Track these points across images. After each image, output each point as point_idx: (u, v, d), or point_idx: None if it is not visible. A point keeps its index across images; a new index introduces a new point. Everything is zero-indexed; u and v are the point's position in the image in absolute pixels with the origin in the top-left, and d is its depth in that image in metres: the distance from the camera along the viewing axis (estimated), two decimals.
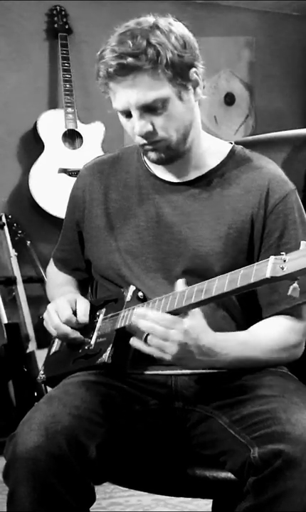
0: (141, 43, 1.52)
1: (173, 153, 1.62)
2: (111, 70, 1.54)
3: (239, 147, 1.72)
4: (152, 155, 1.62)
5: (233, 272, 1.41)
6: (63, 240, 1.88)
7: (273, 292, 1.61)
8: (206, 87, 1.64)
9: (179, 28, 1.58)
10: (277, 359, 1.63)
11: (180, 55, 1.55)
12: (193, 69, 1.59)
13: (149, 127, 1.57)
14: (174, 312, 1.49)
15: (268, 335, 1.62)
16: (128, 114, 1.59)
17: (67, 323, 1.66)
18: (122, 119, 1.62)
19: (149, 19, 1.58)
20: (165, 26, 1.55)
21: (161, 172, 1.69)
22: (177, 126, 1.59)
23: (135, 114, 1.57)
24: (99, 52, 1.57)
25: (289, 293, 1.31)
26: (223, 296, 1.43)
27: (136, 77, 1.53)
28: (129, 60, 1.52)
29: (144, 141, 1.59)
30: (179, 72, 1.55)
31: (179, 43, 1.55)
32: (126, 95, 1.56)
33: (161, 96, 1.55)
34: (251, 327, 1.63)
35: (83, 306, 1.69)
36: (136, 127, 1.58)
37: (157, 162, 1.65)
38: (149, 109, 1.56)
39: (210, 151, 1.69)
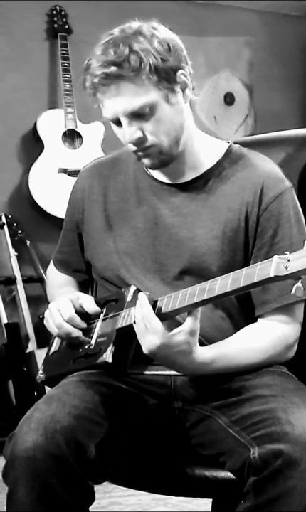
0: (123, 51, 1.52)
1: (167, 158, 1.62)
2: (96, 80, 1.54)
3: (236, 146, 1.72)
4: (146, 161, 1.63)
5: (236, 271, 1.41)
6: (63, 242, 1.88)
7: (266, 291, 1.61)
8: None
9: (163, 32, 1.57)
10: (270, 363, 1.64)
11: (164, 59, 1.54)
12: (181, 71, 1.58)
13: (139, 134, 1.57)
14: (177, 311, 1.49)
15: (259, 342, 1.62)
16: (118, 123, 1.59)
17: (70, 321, 1.67)
18: (114, 127, 1.62)
19: (133, 25, 1.57)
20: (148, 31, 1.55)
21: (158, 173, 1.69)
22: (167, 130, 1.59)
23: (124, 121, 1.57)
24: (85, 63, 1.57)
25: (292, 292, 1.31)
26: (225, 296, 1.43)
27: (120, 86, 1.53)
28: (112, 68, 1.52)
29: (136, 148, 1.60)
30: (164, 76, 1.55)
31: (163, 47, 1.54)
32: (113, 104, 1.56)
33: (147, 102, 1.54)
34: (241, 334, 1.63)
35: (88, 299, 1.70)
36: (126, 135, 1.58)
37: (151, 167, 1.66)
38: (138, 115, 1.56)
39: (207, 150, 1.69)
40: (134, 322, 1.52)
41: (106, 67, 1.52)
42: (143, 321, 1.49)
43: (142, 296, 1.52)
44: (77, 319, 1.67)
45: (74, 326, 1.66)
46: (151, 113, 1.56)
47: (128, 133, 1.57)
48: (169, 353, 1.50)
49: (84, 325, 1.67)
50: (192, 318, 1.48)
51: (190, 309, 1.48)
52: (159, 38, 1.55)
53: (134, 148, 1.60)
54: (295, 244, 1.61)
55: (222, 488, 1.58)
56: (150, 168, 1.67)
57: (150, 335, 1.48)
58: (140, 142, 1.58)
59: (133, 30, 1.55)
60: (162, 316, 1.50)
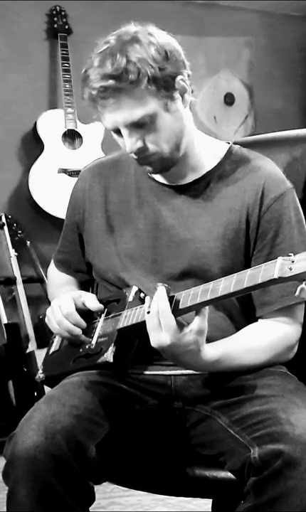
0: (120, 62, 1.50)
1: (168, 163, 1.62)
2: (94, 93, 1.53)
3: (236, 147, 1.72)
4: (147, 168, 1.63)
5: (239, 272, 1.41)
6: (64, 242, 1.88)
7: (266, 292, 1.61)
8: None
9: (160, 38, 1.55)
10: (271, 363, 1.63)
11: (161, 67, 1.53)
12: (179, 77, 1.57)
13: (140, 144, 1.57)
14: (188, 309, 1.49)
15: (261, 341, 1.61)
16: (118, 132, 1.59)
17: (68, 317, 1.66)
18: (114, 136, 1.62)
19: (130, 29, 1.56)
20: (144, 38, 1.53)
21: (159, 175, 1.69)
22: (168, 137, 1.58)
23: (124, 132, 1.57)
24: (82, 72, 1.56)
25: (296, 294, 1.31)
26: (228, 297, 1.43)
27: (120, 99, 1.52)
28: (110, 82, 1.51)
29: (137, 157, 1.60)
30: (163, 85, 1.54)
31: (160, 55, 1.53)
32: (112, 116, 1.56)
33: (147, 112, 1.54)
34: (243, 333, 1.63)
35: (91, 297, 1.70)
36: (127, 146, 1.58)
37: (153, 172, 1.66)
38: (138, 125, 1.55)
39: (208, 152, 1.68)
40: (148, 312, 1.50)
41: (104, 81, 1.51)
42: (157, 316, 1.48)
43: (161, 289, 1.49)
44: (76, 315, 1.67)
45: (72, 323, 1.66)
46: (151, 123, 1.56)
47: (129, 143, 1.57)
48: (177, 352, 1.49)
49: (82, 322, 1.67)
50: (200, 317, 1.47)
51: (193, 310, 1.48)
52: (156, 46, 1.53)
53: (136, 156, 1.60)
54: (296, 246, 1.61)
55: (222, 489, 1.58)
56: (152, 173, 1.68)
57: (162, 332, 1.47)
58: (141, 151, 1.58)
59: (130, 36, 1.54)
60: (177, 313, 1.49)
